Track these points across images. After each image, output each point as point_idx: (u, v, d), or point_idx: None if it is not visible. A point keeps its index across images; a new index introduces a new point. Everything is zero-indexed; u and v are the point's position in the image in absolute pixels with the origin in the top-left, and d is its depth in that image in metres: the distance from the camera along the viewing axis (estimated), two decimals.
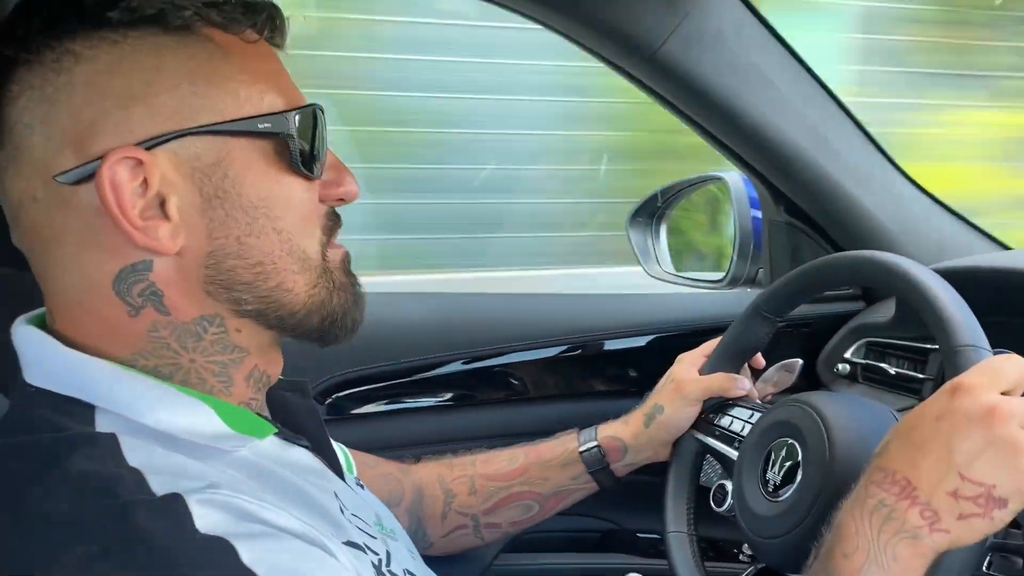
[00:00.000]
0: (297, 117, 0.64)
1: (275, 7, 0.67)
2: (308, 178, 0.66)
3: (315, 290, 0.67)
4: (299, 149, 0.64)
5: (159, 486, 0.55)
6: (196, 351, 0.64)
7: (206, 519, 0.54)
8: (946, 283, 0.77)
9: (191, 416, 0.61)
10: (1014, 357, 0.69)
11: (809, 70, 1.13)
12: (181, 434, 0.60)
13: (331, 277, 0.68)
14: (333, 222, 0.69)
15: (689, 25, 1.03)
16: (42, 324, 0.65)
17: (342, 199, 0.70)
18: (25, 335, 0.64)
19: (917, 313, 0.77)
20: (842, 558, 0.66)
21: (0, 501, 0.56)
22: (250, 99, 0.63)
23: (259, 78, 0.64)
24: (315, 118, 0.66)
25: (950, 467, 0.64)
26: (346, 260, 0.71)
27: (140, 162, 0.59)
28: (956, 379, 0.68)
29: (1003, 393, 0.66)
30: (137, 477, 0.56)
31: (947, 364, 0.72)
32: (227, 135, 0.62)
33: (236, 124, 0.62)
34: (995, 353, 0.71)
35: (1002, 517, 0.64)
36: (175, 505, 0.54)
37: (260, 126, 0.63)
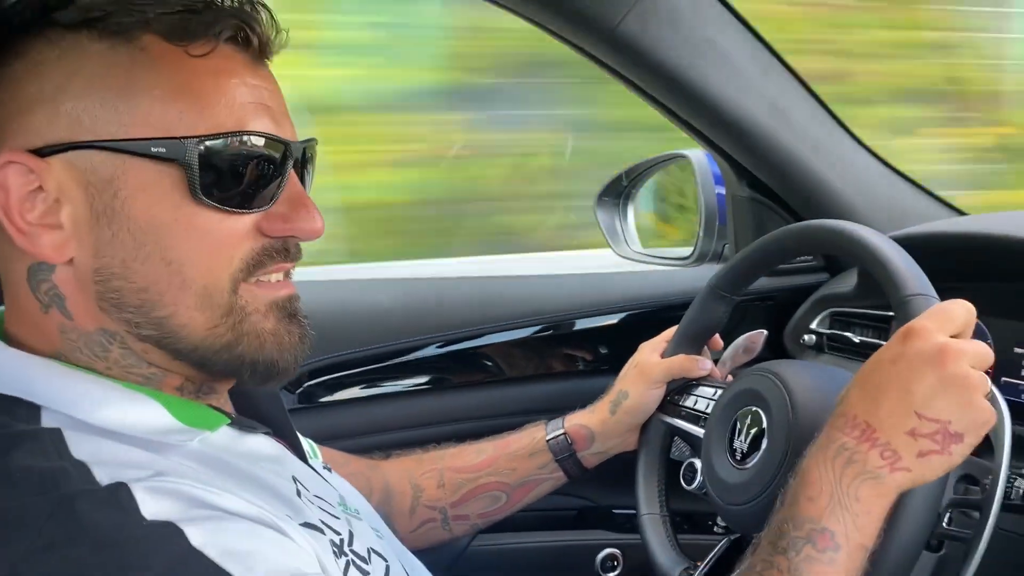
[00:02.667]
0: (206, 144, 0.60)
1: (247, 15, 0.63)
2: (221, 210, 0.61)
3: (217, 330, 0.62)
4: (209, 178, 0.60)
5: (104, 476, 0.55)
6: (108, 361, 0.63)
7: (152, 506, 0.54)
8: (891, 240, 0.79)
9: (138, 412, 0.61)
10: (960, 301, 0.71)
11: (766, 44, 1.14)
12: (129, 430, 0.60)
13: (243, 318, 0.63)
14: (268, 257, 0.64)
15: (646, 2, 1.03)
16: None
17: (293, 236, 0.65)
18: None
19: (868, 272, 0.79)
20: (807, 502, 0.68)
21: None
22: (163, 118, 0.60)
23: (183, 96, 0.60)
24: (251, 146, 0.61)
25: (907, 407, 0.67)
26: (278, 303, 0.65)
27: (31, 168, 0.59)
28: (908, 324, 0.70)
29: (952, 336, 0.69)
30: (82, 470, 0.55)
31: (898, 313, 0.74)
32: (123, 153, 0.59)
33: (130, 144, 0.59)
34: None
35: (960, 452, 0.67)
36: (120, 494, 0.54)
37: (153, 149, 0.59)
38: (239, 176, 0.61)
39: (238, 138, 0.61)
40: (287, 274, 0.67)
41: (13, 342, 0.63)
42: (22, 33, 0.61)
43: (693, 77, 1.10)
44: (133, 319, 0.61)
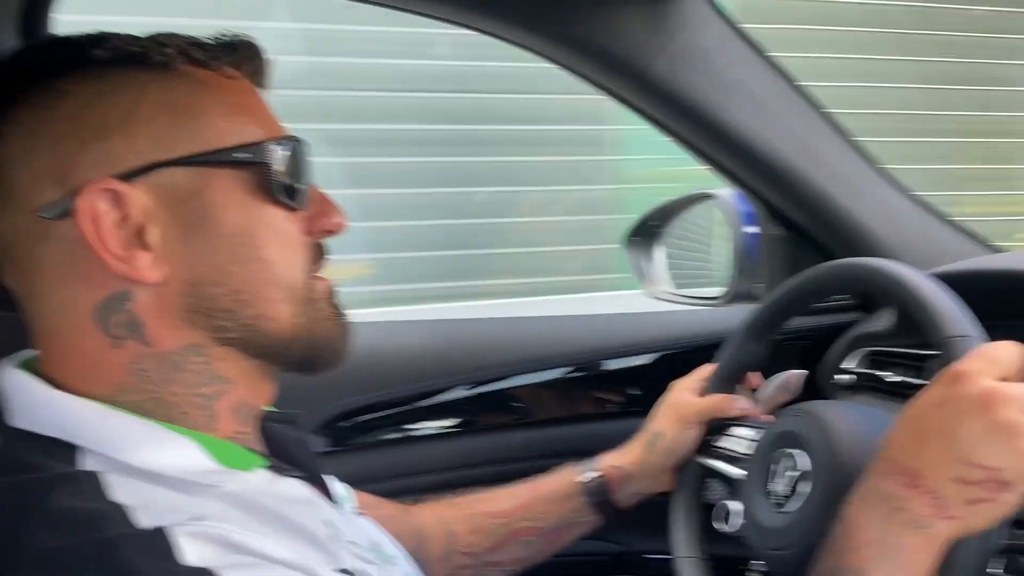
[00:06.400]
0: (277, 148, 0.66)
1: (255, 47, 0.69)
2: (290, 208, 0.67)
3: (298, 320, 0.67)
4: (279, 179, 0.65)
5: (143, 520, 0.55)
6: (178, 383, 0.64)
7: (191, 551, 0.54)
8: (932, 279, 0.78)
9: (176, 452, 0.61)
10: (1007, 343, 0.69)
11: (796, 85, 1.14)
12: (166, 471, 0.60)
13: (315, 307, 0.69)
14: (318, 254, 0.70)
15: (675, 45, 1.04)
16: (30, 365, 0.65)
17: (329, 231, 0.71)
18: (8, 377, 0.64)
19: (909, 313, 0.78)
20: (851, 552, 0.66)
21: None
22: (229, 130, 0.64)
23: (238, 110, 0.66)
24: (296, 150, 0.68)
25: (954, 454, 0.65)
26: (331, 292, 0.72)
27: (119, 193, 0.60)
28: (953, 367, 0.68)
29: (1000, 379, 0.67)
30: (121, 512, 0.56)
31: (942, 354, 0.73)
32: (206, 165, 0.63)
33: (215, 154, 0.63)
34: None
35: (1009, 500, 0.64)
36: (159, 538, 0.54)
37: (238, 156, 0.64)
38: (295, 176, 0.67)
39: (293, 141, 0.67)
40: None
41: (55, 385, 0.63)
42: (59, 73, 0.62)
43: (723, 118, 1.10)
44: (222, 323, 0.64)
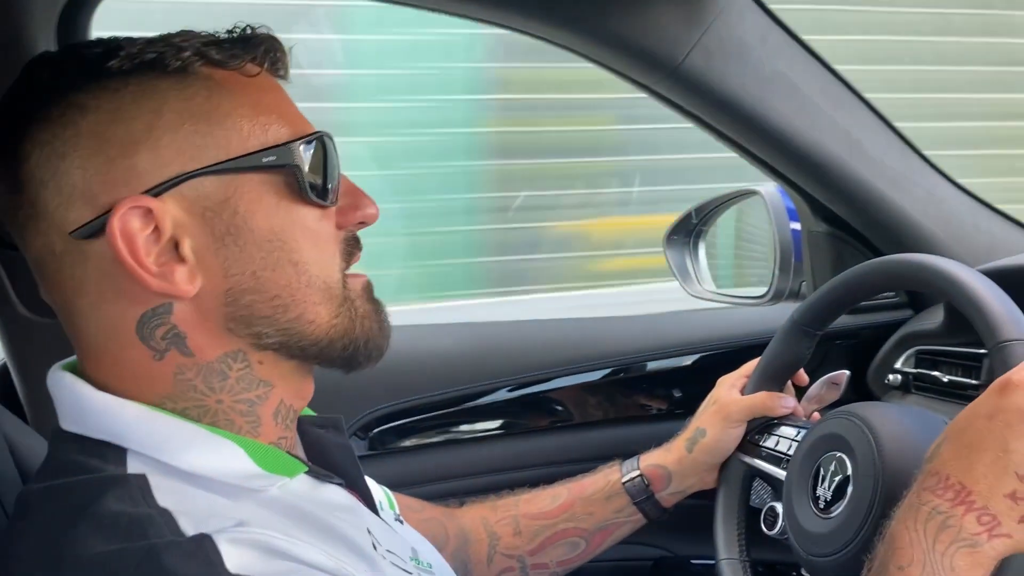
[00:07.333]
0: (302, 147, 0.64)
1: (273, 40, 0.67)
2: (321, 206, 0.65)
3: (336, 319, 0.66)
4: (308, 179, 0.64)
5: (188, 526, 0.56)
6: (223, 391, 0.64)
7: (236, 558, 0.54)
8: (986, 278, 0.75)
9: (221, 456, 0.62)
10: None
11: (838, 76, 1.11)
12: (211, 474, 0.61)
13: (352, 305, 0.68)
14: (352, 247, 0.69)
15: (710, 37, 1.02)
16: (77, 369, 0.66)
17: (362, 222, 0.70)
18: (58, 381, 0.65)
19: (961, 312, 0.75)
20: (896, 572, 0.63)
21: (37, 543, 0.57)
22: (254, 133, 0.63)
23: (261, 111, 0.64)
24: (324, 145, 0.66)
25: (1006, 468, 0.61)
26: (368, 288, 0.71)
27: (149, 209, 0.60)
28: (1005, 375, 0.65)
29: None
30: (167, 518, 0.56)
31: (994, 360, 0.70)
32: (233, 172, 0.62)
33: (241, 161, 0.62)
34: None
35: None
36: (204, 545, 0.54)
37: (265, 160, 0.63)
38: (323, 173, 0.66)
39: (320, 137, 0.66)
40: None
41: (101, 388, 0.63)
42: (77, 87, 0.61)
43: (762, 111, 1.07)
44: (262, 330, 0.64)
